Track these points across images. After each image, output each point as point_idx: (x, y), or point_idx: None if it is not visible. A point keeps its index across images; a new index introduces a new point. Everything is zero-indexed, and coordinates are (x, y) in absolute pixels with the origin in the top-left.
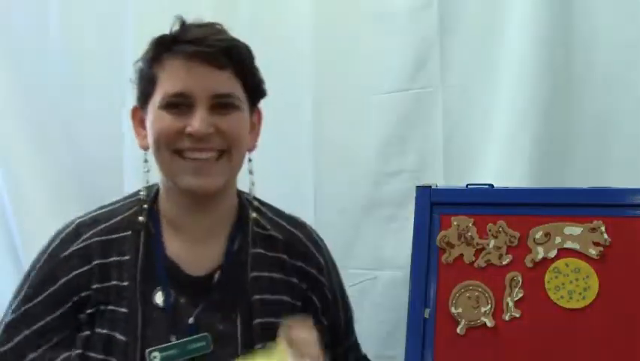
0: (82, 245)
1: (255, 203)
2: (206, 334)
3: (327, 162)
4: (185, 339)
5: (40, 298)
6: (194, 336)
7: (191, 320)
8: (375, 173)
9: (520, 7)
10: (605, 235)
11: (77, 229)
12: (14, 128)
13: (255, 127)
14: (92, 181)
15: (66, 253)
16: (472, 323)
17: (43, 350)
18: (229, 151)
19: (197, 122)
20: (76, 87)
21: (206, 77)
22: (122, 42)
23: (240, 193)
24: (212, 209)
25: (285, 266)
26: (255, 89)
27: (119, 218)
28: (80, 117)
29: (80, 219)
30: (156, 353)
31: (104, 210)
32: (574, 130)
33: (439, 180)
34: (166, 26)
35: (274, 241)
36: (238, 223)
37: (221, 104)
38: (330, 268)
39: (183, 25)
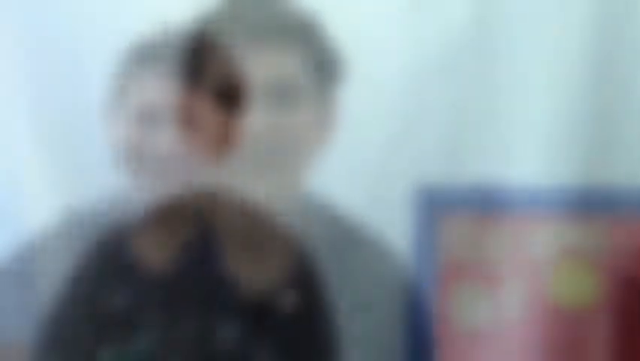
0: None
1: None
2: (152, 338)
3: (326, 162)
4: (132, 343)
5: None
6: (141, 339)
7: (141, 321)
8: (375, 172)
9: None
10: (606, 235)
11: None
12: (13, 125)
13: None
14: (91, 179)
15: None
16: (473, 323)
17: None
18: None
19: None
20: (79, 82)
21: None
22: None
23: None
24: None
25: None
26: None
27: None
28: (81, 114)
29: None
30: (105, 353)
31: None
32: (577, 130)
33: (439, 179)
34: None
35: None
36: None
37: None
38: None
39: None
